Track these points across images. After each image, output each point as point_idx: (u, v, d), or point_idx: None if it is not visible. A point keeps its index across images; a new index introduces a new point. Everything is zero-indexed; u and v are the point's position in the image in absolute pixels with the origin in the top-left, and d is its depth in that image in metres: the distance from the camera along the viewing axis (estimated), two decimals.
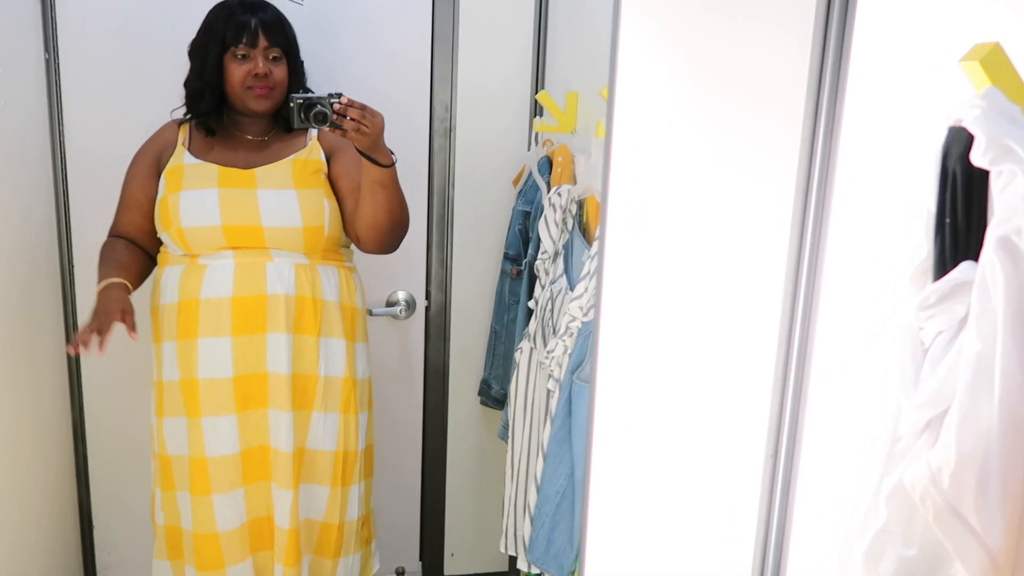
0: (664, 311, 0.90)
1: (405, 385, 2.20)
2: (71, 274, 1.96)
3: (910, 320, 0.61)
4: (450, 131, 2.06)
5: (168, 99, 1.90)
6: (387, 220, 1.53)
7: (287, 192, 1.55)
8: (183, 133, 1.65)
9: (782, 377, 0.98)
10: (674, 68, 0.85)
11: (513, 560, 2.40)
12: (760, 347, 0.96)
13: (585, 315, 1.33)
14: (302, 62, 1.66)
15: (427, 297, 2.15)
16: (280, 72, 1.58)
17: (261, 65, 1.54)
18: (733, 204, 0.91)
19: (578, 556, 1.39)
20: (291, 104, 1.39)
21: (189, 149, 1.62)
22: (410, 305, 2.13)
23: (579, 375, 1.34)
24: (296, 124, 1.40)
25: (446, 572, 2.35)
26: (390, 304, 2.11)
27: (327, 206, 1.57)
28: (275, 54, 1.56)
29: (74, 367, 2.01)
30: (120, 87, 1.88)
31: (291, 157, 1.60)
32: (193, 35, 1.63)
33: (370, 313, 2.07)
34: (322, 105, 1.37)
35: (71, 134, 1.89)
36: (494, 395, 2.09)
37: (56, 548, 1.98)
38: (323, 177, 1.60)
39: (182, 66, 1.68)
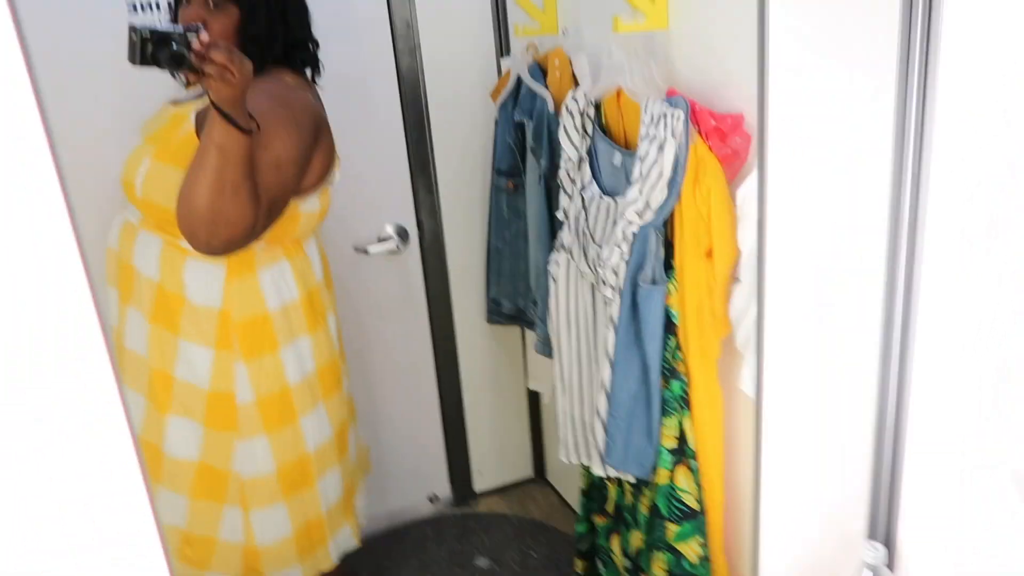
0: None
1: (410, 319, 2.15)
2: None
3: None
4: (416, 49, 1.94)
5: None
6: (210, 197, 1.15)
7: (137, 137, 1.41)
8: None
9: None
10: None
11: (539, 465, 2.48)
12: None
13: (640, 218, 1.32)
14: (285, 15, 1.36)
15: (419, 226, 2.08)
16: (221, 23, 1.30)
17: (192, 11, 1.31)
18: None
19: (659, 453, 1.43)
20: (131, 37, 1.04)
21: None
22: (403, 236, 2.05)
23: (642, 278, 1.34)
24: (137, 62, 1.05)
25: (476, 488, 2.40)
26: (382, 240, 2.03)
27: (146, 165, 1.32)
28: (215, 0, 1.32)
29: None
30: None
31: (178, 108, 1.38)
32: None
33: (365, 252, 1.99)
34: (176, 43, 1.03)
35: None
36: (506, 312, 2.08)
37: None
38: (181, 136, 1.31)
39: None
